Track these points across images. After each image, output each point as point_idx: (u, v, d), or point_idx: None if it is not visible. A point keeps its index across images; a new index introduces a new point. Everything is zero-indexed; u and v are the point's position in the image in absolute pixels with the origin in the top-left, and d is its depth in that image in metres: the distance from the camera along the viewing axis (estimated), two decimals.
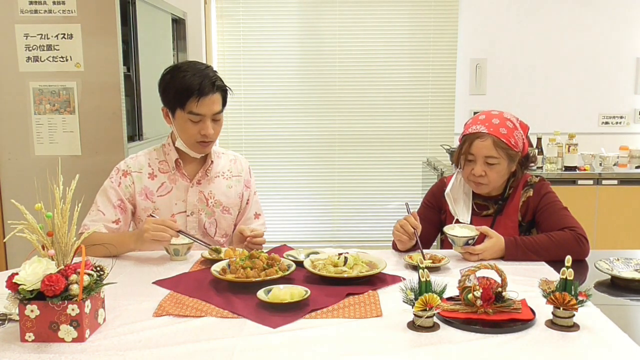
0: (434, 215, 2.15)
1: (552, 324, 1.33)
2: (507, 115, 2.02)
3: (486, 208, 2.07)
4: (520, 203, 2.05)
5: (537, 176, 2.11)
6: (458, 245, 1.89)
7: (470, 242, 1.88)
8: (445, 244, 2.08)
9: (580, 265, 1.84)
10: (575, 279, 1.33)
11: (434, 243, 2.22)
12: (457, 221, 2.05)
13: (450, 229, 1.92)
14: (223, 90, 2.03)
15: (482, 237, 1.91)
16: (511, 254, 1.86)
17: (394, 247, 2.02)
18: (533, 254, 1.86)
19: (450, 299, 1.42)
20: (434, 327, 1.32)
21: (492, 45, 4.44)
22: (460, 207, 2.07)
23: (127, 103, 3.02)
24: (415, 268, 1.68)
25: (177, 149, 2.09)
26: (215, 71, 2.04)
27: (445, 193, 2.11)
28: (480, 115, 2.04)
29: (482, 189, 2.04)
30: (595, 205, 3.69)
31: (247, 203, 2.22)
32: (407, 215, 1.92)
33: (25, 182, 2.91)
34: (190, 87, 1.95)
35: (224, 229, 2.16)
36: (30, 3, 2.83)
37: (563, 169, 3.79)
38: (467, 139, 2.01)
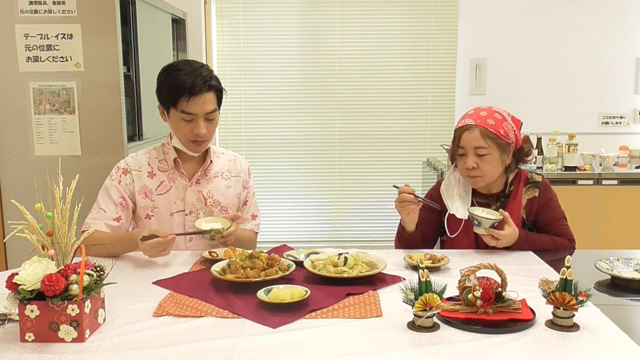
0: (434, 217, 2.14)
1: (552, 324, 1.34)
2: (496, 108, 2.06)
3: (487, 206, 2.07)
4: (524, 202, 2.06)
5: (537, 174, 2.13)
6: (484, 227, 1.92)
7: (495, 225, 1.94)
8: (461, 228, 2.06)
9: (580, 266, 1.84)
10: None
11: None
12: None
13: (475, 210, 1.96)
14: (217, 90, 2.01)
15: (501, 224, 1.96)
16: (520, 246, 1.98)
17: (398, 240, 2.10)
18: (534, 251, 1.98)
19: (450, 299, 1.42)
20: (434, 327, 1.32)
21: (492, 45, 4.44)
22: (456, 204, 2.07)
23: (127, 103, 3.02)
24: (415, 268, 1.68)
25: (176, 148, 2.10)
26: (211, 70, 2.02)
27: (440, 189, 2.12)
28: (470, 111, 2.09)
29: (478, 182, 2.05)
30: (595, 205, 3.68)
31: (244, 204, 2.21)
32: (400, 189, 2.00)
33: (25, 182, 2.91)
34: (182, 86, 1.94)
35: None
36: (30, 3, 2.83)
37: (563, 169, 3.79)
38: (457, 134, 2.05)
